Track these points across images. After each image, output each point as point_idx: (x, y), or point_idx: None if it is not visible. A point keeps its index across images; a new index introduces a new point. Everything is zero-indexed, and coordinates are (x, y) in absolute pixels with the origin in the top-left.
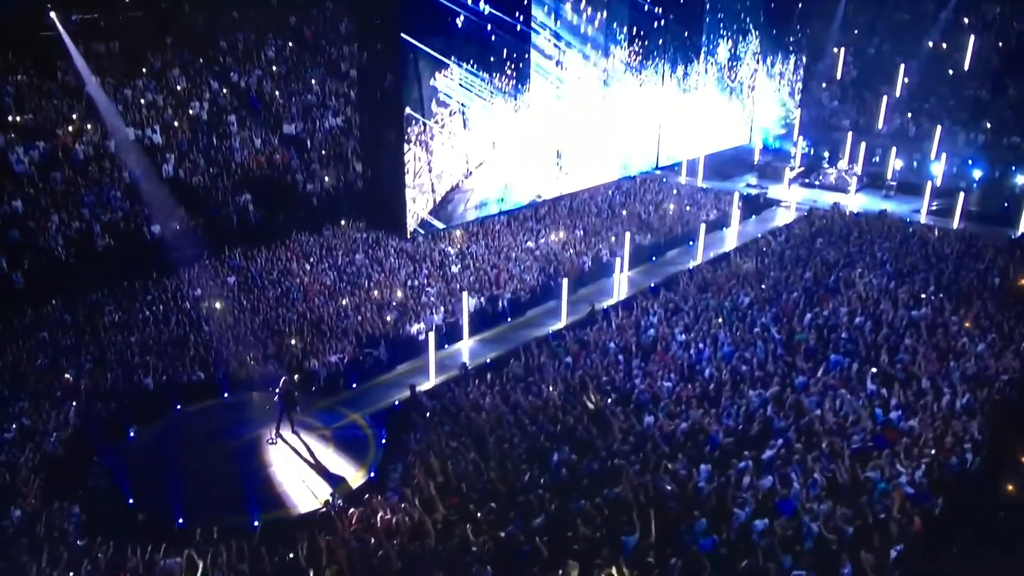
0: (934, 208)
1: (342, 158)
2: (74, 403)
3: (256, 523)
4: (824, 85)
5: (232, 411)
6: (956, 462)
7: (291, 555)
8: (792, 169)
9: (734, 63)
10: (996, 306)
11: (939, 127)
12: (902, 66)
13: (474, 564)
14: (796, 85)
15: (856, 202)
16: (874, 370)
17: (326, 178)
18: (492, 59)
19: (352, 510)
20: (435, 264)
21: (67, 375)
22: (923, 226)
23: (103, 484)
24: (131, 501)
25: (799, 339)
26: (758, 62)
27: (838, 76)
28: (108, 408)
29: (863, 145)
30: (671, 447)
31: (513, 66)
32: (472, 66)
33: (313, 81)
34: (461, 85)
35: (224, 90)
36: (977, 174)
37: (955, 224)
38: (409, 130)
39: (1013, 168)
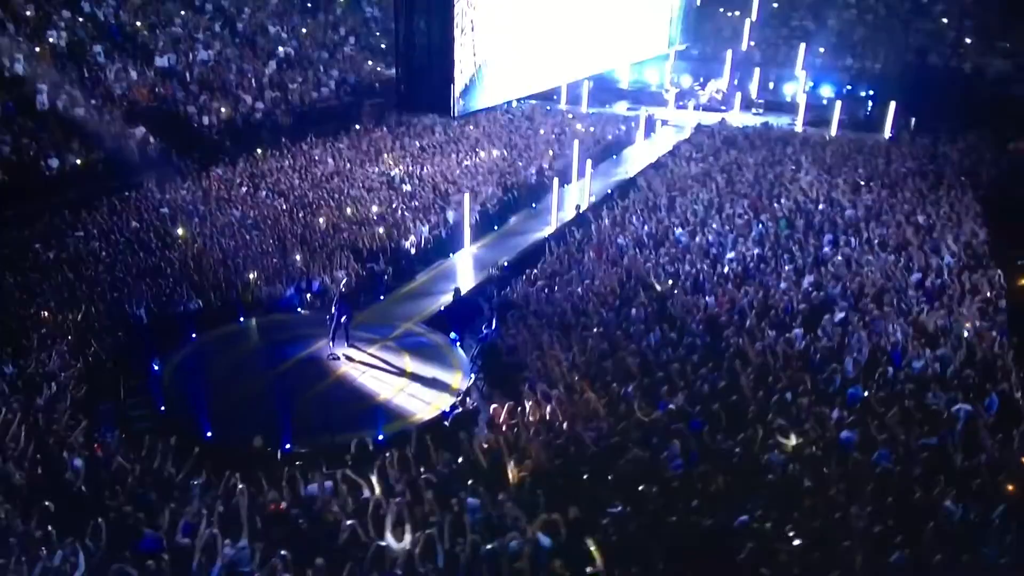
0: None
1: (227, 92)
2: (69, 337)
3: (381, 436)
4: None
5: (262, 333)
6: (1005, 304)
7: (459, 459)
8: (667, 92)
9: None
10: (927, 187)
11: (803, 46)
12: None
13: (669, 438)
14: None
15: (735, 119)
16: (876, 240)
17: (223, 110)
18: None
19: (494, 407)
20: (381, 185)
21: (43, 312)
22: (812, 133)
23: (150, 421)
24: (209, 434)
25: (783, 223)
26: None
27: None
28: (104, 342)
29: (727, 68)
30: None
31: None
32: None
33: (173, 15)
34: None
35: (80, 19)
36: (826, 91)
37: (832, 132)
38: None
39: (851, 86)
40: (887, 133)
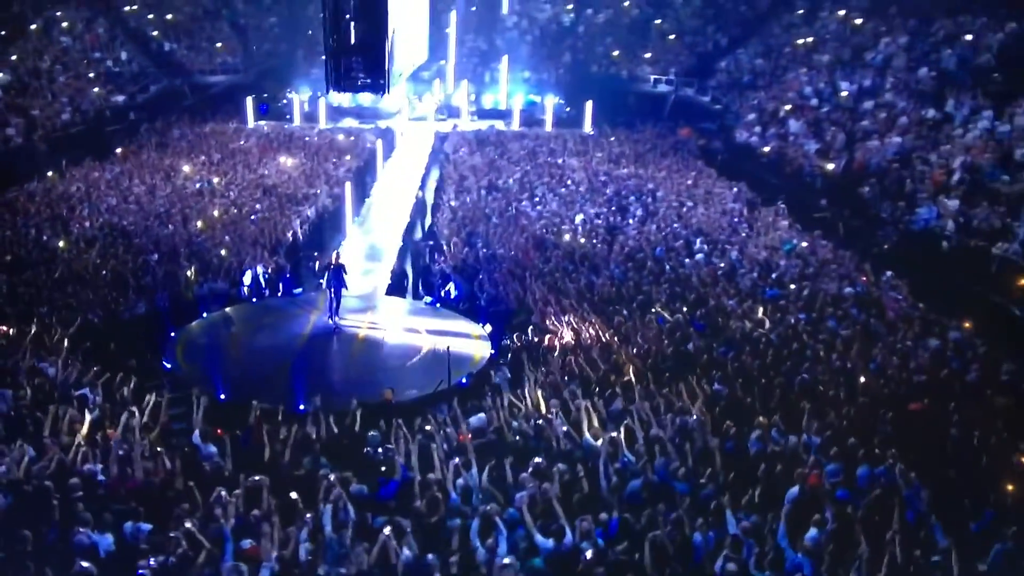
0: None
1: None
2: (65, 341)
3: (464, 381)
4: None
5: (248, 319)
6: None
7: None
8: (392, 106)
9: None
10: (665, 161)
11: (505, 58)
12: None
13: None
14: None
15: (462, 126)
16: (673, 199)
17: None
18: None
19: (549, 336)
20: (212, 193)
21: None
22: (537, 131)
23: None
24: (301, 407)
25: (590, 193)
26: None
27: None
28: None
29: (443, 82)
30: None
31: None
32: None
33: None
34: None
35: None
36: (521, 97)
37: (548, 129)
38: None
39: (539, 93)
40: (588, 128)
